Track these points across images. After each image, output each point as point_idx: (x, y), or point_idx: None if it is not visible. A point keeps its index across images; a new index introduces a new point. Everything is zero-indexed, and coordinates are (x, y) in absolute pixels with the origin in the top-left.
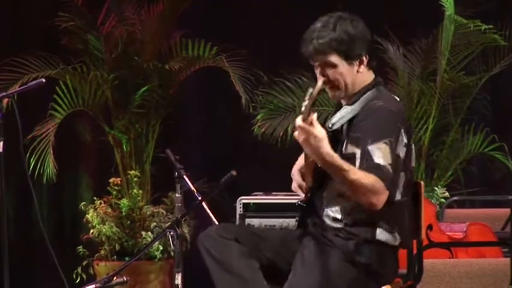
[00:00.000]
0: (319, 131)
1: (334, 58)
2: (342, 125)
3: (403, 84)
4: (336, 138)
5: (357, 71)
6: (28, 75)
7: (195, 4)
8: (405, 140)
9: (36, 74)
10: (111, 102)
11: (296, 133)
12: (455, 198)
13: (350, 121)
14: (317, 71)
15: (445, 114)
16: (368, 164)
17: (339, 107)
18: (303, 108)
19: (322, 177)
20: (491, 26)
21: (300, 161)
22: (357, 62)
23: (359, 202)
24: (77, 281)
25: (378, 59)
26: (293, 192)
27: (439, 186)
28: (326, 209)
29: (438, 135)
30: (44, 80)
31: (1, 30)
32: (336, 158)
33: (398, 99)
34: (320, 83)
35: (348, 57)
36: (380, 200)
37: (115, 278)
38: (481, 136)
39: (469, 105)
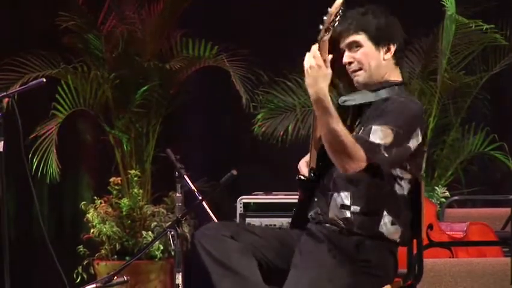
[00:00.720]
0: (327, 69)
1: (361, 38)
2: (355, 106)
3: None
4: (342, 116)
5: (383, 58)
6: (28, 75)
7: (195, 3)
8: (420, 139)
9: (36, 74)
10: (112, 102)
11: (306, 59)
12: (456, 197)
13: (368, 108)
14: (345, 53)
15: (446, 114)
16: (360, 137)
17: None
18: (321, 27)
19: (329, 164)
20: (492, 26)
21: (308, 155)
22: (385, 49)
23: (332, 159)
24: (78, 280)
25: None
26: (294, 192)
27: (440, 186)
28: (334, 195)
29: (439, 134)
30: (44, 80)
31: (1, 30)
32: (330, 103)
33: (418, 102)
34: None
35: (375, 40)
36: (353, 166)
37: (115, 277)
38: (481, 136)
39: (470, 105)
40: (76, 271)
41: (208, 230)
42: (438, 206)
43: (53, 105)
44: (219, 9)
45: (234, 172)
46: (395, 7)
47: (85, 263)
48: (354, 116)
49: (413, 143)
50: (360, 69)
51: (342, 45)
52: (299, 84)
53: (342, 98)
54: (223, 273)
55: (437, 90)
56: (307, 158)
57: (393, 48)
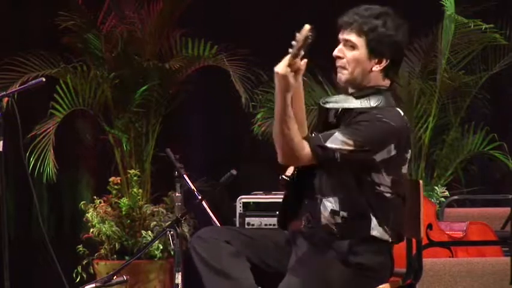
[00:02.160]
0: (282, 71)
1: (358, 40)
2: (336, 110)
3: (403, 83)
4: (321, 116)
5: (371, 69)
6: (28, 74)
7: (195, 3)
8: (393, 152)
9: (36, 73)
10: (111, 101)
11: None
12: (455, 197)
13: (346, 112)
14: (339, 46)
15: (445, 113)
16: (315, 138)
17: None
18: (290, 50)
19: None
20: (491, 25)
21: None
22: (376, 60)
23: (277, 148)
24: (77, 280)
25: None
26: None
27: (439, 186)
28: (323, 200)
29: (438, 134)
30: (44, 79)
31: (1, 29)
32: (284, 96)
33: (403, 113)
34: (307, 26)
35: (371, 49)
36: (293, 158)
37: (115, 277)
38: (481, 135)
39: (469, 104)
40: (76, 271)
41: (203, 234)
42: (438, 206)
43: (51, 104)
44: (218, 9)
45: (234, 172)
46: (394, 6)
47: (84, 263)
48: (333, 118)
49: (381, 155)
50: (345, 68)
51: (341, 36)
52: None
53: (324, 99)
54: (215, 277)
55: (437, 90)
56: None
57: (384, 63)
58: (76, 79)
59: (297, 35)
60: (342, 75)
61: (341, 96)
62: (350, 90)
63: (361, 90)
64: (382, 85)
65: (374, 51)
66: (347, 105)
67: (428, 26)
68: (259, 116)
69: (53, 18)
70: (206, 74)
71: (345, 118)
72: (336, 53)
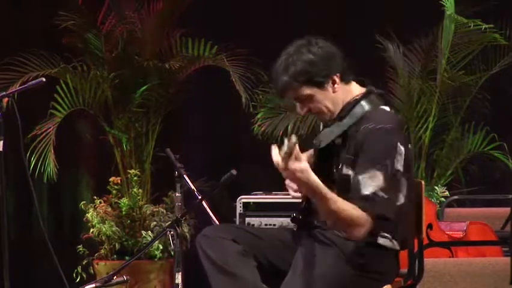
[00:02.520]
0: (302, 165)
1: (305, 90)
2: (332, 141)
3: (403, 83)
4: (323, 154)
5: (334, 91)
6: (28, 74)
7: (195, 3)
8: (402, 150)
9: (36, 73)
10: (111, 101)
11: (279, 166)
12: (455, 197)
13: (343, 138)
14: (297, 105)
15: (445, 113)
16: (354, 195)
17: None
18: (282, 153)
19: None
20: (491, 25)
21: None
22: (330, 83)
23: (341, 230)
24: (77, 280)
25: (379, 58)
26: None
27: (439, 185)
28: None
29: (438, 134)
30: (44, 79)
31: (1, 29)
32: (320, 185)
33: (389, 109)
34: (293, 138)
35: (318, 83)
36: (362, 232)
37: (115, 277)
38: (481, 135)
39: (469, 104)
40: (76, 271)
41: (209, 233)
42: (438, 206)
43: (51, 104)
44: (218, 9)
45: (234, 172)
46: (395, 6)
47: (84, 263)
48: (334, 148)
49: (400, 162)
50: (320, 112)
51: (290, 98)
52: None
53: (317, 142)
54: (221, 276)
55: (437, 90)
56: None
57: (337, 78)
58: (76, 79)
59: (286, 144)
60: (324, 118)
61: (326, 130)
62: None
63: (341, 112)
64: (354, 95)
65: (321, 82)
66: (338, 131)
67: (428, 26)
68: (259, 115)
69: (53, 18)
70: (206, 74)
71: (345, 148)
72: (301, 111)
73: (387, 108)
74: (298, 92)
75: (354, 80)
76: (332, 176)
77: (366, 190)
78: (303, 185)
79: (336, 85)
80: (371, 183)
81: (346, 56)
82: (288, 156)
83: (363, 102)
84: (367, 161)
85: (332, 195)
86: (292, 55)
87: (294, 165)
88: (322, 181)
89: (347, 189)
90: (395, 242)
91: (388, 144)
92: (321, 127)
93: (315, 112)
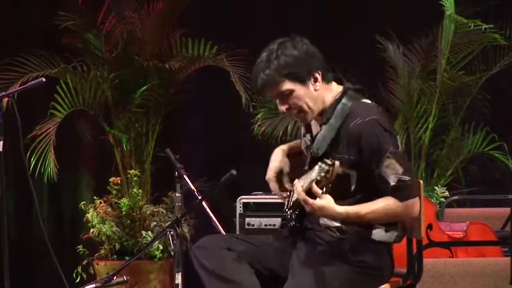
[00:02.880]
0: (325, 201)
1: (287, 84)
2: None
3: (403, 83)
4: (315, 159)
5: (315, 89)
6: (28, 75)
7: (195, 3)
8: (394, 134)
9: (36, 73)
10: (111, 102)
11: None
12: (455, 197)
13: (333, 139)
14: (277, 102)
15: (445, 114)
16: (385, 190)
17: (308, 127)
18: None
19: None
20: (491, 26)
21: (276, 164)
22: (312, 81)
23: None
24: (77, 280)
25: (378, 58)
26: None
27: (439, 186)
28: None
29: (438, 134)
30: (44, 79)
31: (1, 30)
32: (348, 211)
33: (369, 101)
34: (337, 164)
35: (300, 79)
36: (412, 211)
37: (115, 277)
38: (481, 135)
39: (469, 105)
40: (76, 271)
41: (203, 243)
42: (438, 206)
43: (51, 104)
44: (218, 9)
45: (234, 172)
46: (395, 6)
47: (84, 263)
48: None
49: (398, 143)
50: (301, 111)
51: (271, 96)
52: None
53: (314, 150)
54: (219, 284)
55: (437, 90)
56: (274, 167)
57: (319, 75)
58: (76, 79)
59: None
60: (306, 118)
61: (319, 136)
62: (317, 120)
63: (324, 114)
64: (335, 94)
65: (303, 77)
66: (331, 135)
67: (428, 26)
68: (259, 116)
69: (53, 18)
70: (206, 74)
71: (337, 149)
72: (282, 108)
73: (367, 101)
74: (279, 87)
75: (334, 80)
76: None
77: (392, 181)
78: (329, 218)
79: (317, 83)
80: (391, 172)
81: (346, 56)
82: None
83: (344, 100)
84: (375, 154)
85: (364, 209)
86: (276, 50)
87: (316, 203)
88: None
89: (341, 187)
90: (390, 233)
91: (382, 131)
92: (302, 130)
93: (296, 110)
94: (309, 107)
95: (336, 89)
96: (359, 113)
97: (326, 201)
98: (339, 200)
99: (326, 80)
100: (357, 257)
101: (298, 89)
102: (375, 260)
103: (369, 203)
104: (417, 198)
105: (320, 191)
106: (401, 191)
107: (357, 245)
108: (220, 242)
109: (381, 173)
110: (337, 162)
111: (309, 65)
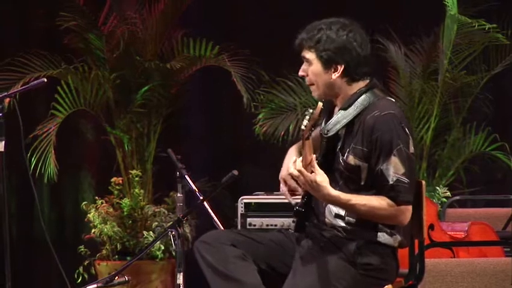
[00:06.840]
0: (320, 177)
1: (310, 55)
2: (338, 131)
3: (404, 84)
4: (331, 144)
5: (332, 78)
6: (30, 75)
7: (196, 3)
8: (409, 134)
9: (37, 74)
10: (112, 102)
11: (293, 172)
12: (457, 197)
13: (348, 126)
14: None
15: (447, 114)
16: (381, 187)
17: (328, 112)
18: (302, 127)
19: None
20: (493, 25)
21: (289, 163)
22: (332, 69)
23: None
24: (79, 280)
25: (380, 59)
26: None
27: (441, 186)
28: (328, 205)
29: (440, 134)
30: (45, 80)
31: (3, 30)
32: (341, 196)
33: (394, 100)
34: (320, 104)
35: (322, 59)
36: (402, 218)
37: (116, 277)
38: (482, 135)
39: (471, 105)
40: (77, 271)
41: (207, 239)
42: (440, 206)
43: (52, 105)
44: (219, 9)
45: (235, 172)
46: (396, 6)
47: (86, 263)
48: (339, 138)
49: (411, 145)
50: (311, 84)
51: (302, 56)
52: (300, 83)
53: (325, 129)
54: (221, 281)
55: (439, 90)
56: (288, 166)
57: (340, 68)
58: (77, 79)
59: (310, 110)
60: (314, 93)
61: (333, 120)
62: (338, 105)
63: (346, 101)
64: (357, 88)
65: (325, 60)
66: (345, 120)
67: (429, 25)
68: (260, 116)
69: (54, 19)
70: (207, 74)
71: (352, 138)
72: (300, 72)
73: (391, 99)
74: (305, 52)
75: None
76: (337, 165)
77: (390, 179)
78: (317, 195)
79: (335, 73)
80: (392, 170)
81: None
82: (312, 122)
83: (368, 94)
84: (383, 149)
85: (356, 199)
86: (326, 24)
87: (311, 176)
88: (326, 170)
89: (352, 178)
90: (394, 237)
91: (397, 128)
92: (324, 119)
93: (308, 80)
94: (319, 86)
95: (360, 84)
96: (378, 106)
97: (322, 178)
98: (353, 192)
99: (349, 77)
100: (363, 259)
101: (317, 67)
102: (381, 262)
103: (364, 196)
104: (411, 206)
105: (316, 167)
106: (396, 192)
107: (363, 247)
108: (224, 238)
109: (382, 169)
110: (320, 103)
111: (336, 55)
